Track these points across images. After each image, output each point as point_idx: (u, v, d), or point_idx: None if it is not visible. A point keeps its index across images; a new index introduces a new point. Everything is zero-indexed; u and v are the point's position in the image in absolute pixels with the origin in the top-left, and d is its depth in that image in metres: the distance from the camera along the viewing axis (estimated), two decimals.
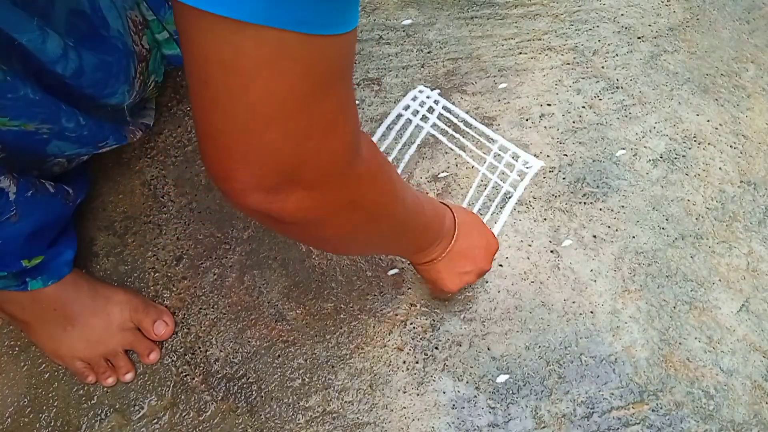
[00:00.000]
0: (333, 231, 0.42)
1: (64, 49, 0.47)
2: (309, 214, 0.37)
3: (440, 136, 0.84)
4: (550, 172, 0.82)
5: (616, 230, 0.79)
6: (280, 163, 0.33)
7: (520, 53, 0.91)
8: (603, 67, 0.90)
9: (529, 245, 0.77)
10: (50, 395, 0.68)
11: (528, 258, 0.77)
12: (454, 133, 0.84)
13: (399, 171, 0.81)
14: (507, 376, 0.70)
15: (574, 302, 0.74)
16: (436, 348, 0.72)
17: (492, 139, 0.84)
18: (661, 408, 0.70)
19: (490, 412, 0.69)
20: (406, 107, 0.86)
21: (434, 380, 0.70)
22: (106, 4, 0.54)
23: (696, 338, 0.73)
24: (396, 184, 0.46)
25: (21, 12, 0.42)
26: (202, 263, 0.75)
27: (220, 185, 0.34)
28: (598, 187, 0.81)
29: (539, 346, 0.72)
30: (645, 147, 0.84)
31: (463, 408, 0.69)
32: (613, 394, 0.70)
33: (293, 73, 0.30)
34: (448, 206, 0.61)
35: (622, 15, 0.95)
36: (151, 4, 0.62)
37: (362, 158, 0.38)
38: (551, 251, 0.77)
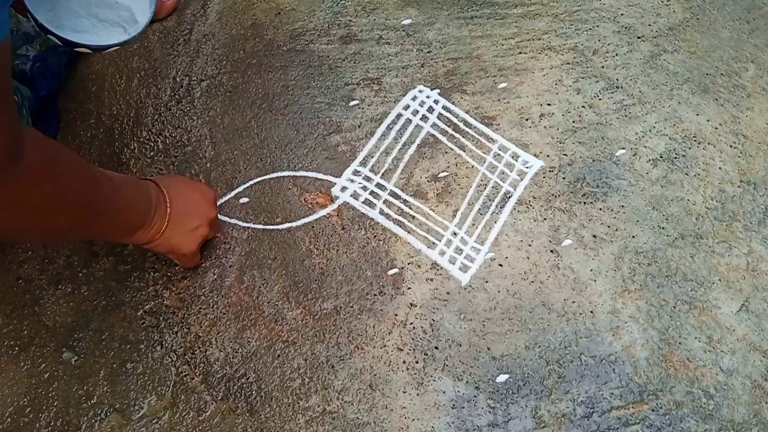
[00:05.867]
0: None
1: None
2: None
3: (440, 136, 0.84)
4: (550, 171, 0.82)
5: (616, 230, 0.79)
6: None
7: (520, 53, 0.91)
8: (603, 67, 0.90)
9: (529, 245, 0.77)
10: (50, 395, 0.68)
11: (528, 258, 0.77)
12: (454, 133, 0.84)
13: (398, 171, 0.81)
14: (507, 376, 0.70)
15: (574, 302, 0.74)
16: (436, 348, 0.72)
17: (492, 138, 0.84)
18: (661, 408, 0.70)
19: (490, 412, 0.69)
20: (406, 107, 0.86)
21: (434, 380, 0.70)
22: None
23: (696, 338, 0.73)
24: (75, 181, 0.49)
25: None
26: (201, 263, 0.75)
27: None
28: (598, 186, 0.81)
29: (539, 346, 0.72)
30: (645, 147, 0.84)
31: (463, 408, 0.69)
32: (613, 393, 0.70)
33: None
34: (147, 180, 0.64)
35: (622, 15, 0.95)
36: None
37: (22, 164, 0.41)
38: (551, 251, 0.77)
